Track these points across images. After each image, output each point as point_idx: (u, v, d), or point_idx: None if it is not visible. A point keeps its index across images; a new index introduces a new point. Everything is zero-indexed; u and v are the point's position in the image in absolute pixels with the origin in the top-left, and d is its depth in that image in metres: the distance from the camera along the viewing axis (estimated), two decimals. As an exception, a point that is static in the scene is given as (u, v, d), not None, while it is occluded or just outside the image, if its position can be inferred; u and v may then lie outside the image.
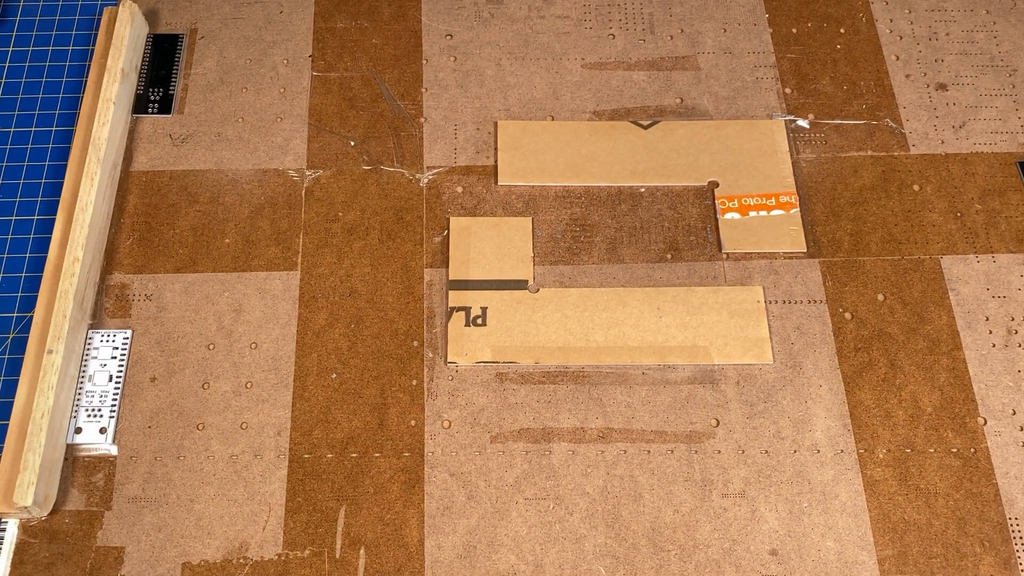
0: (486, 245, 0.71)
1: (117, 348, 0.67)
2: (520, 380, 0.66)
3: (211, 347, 0.67)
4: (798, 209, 0.72)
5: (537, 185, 0.73)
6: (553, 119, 0.76)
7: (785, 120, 0.76)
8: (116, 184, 0.73)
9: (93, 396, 0.65)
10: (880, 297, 0.69)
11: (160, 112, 0.76)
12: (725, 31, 0.80)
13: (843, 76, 0.78)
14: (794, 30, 0.81)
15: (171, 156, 0.74)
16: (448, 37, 0.80)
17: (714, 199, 0.73)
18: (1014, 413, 0.65)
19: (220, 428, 0.65)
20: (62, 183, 0.71)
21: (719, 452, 0.64)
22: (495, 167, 0.74)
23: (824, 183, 0.74)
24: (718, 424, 0.65)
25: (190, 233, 0.71)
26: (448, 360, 0.67)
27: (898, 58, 0.79)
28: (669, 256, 0.71)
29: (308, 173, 0.74)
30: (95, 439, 0.64)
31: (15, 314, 0.69)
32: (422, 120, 0.76)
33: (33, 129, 0.76)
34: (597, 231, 0.72)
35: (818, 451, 0.64)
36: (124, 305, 0.69)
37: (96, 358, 0.66)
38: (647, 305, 0.69)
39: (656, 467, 0.64)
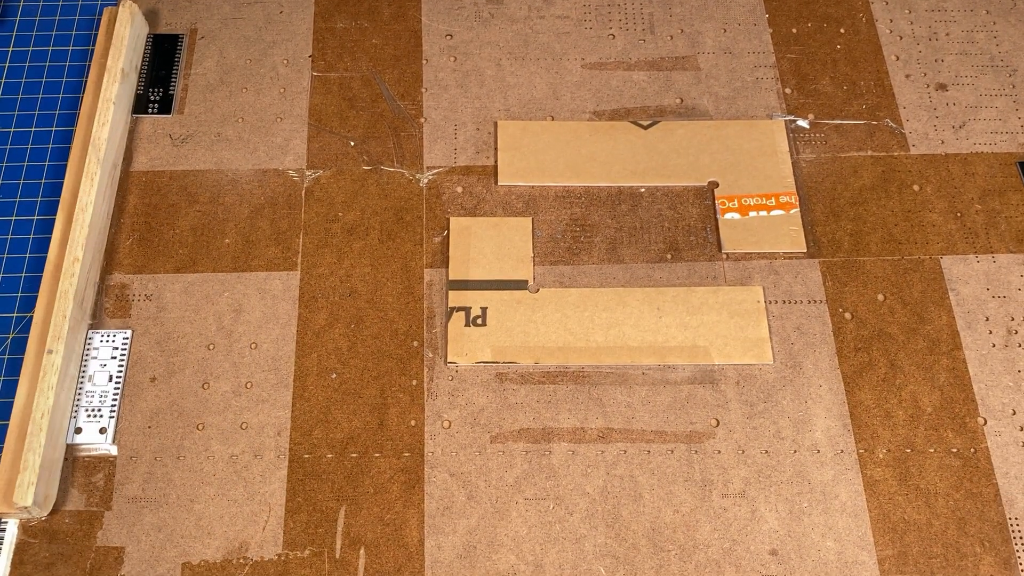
0: (486, 245, 0.71)
1: (117, 348, 0.67)
2: (520, 380, 0.66)
3: (211, 347, 0.67)
4: (798, 209, 0.72)
5: (537, 185, 0.73)
6: (553, 119, 0.76)
7: (785, 120, 0.76)
8: (116, 184, 0.73)
9: (93, 396, 0.65)
10: (880, 297, 0.69)
11: (160, 112, 0.76)
12: (725, 31, 0.80)
13: (843, 76, 0.78)
14: (794, 30, 0.81)
15: (171, 156, 0.74)
16: (448, 37, 0.80)
17: (714, 199, 0.73)
18: (1014, 413, 0.65)
19: (220, 428, 0.65)
20: (62, 183, 0.71)
21: (719, 452, 0.64)
22: (495, 167, 0.74)
23: (824, 183, 0.74)
24: (718, 424, 0.65)
25: (190, 233, 0.71)
26: (448, 360, 0.67)
27: (898, 58, 0.79)
28: (669, 256, 0.71)
29: (308, 173, 0.74)
30: (95, 439, 0.64)
31: (15, 314, 0.69)
32: (422, 120, 0.76)
33: (33, 129, 0.76)
34: (597, 231, 0.72)
35: (818, 451, 0.64)
36: (124, 305, 0.69)
37: (96, 358, 0.66)
38: (647, 305, 0.69)
39: (656, 467, 0.64)
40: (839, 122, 0.76)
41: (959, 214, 0.72)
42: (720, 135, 0.75)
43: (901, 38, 0.80)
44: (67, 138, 0.75)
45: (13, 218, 0.72)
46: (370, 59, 0.79)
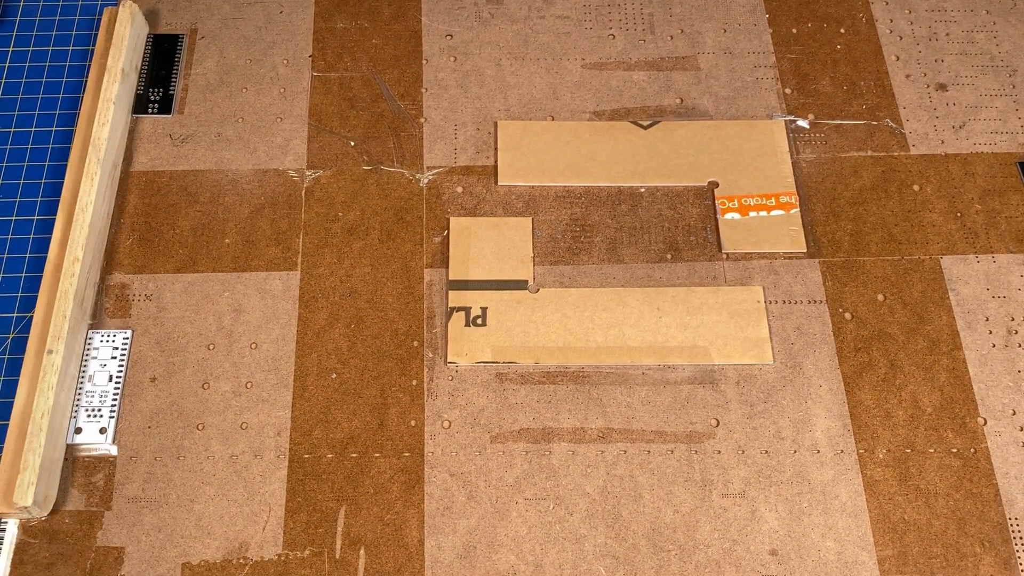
0: (486, 245, 0.71)
1: (117, 348, 0.67)
2: (520, 380, 0.66)
3: (211, 347, 0.67)
4: (798, 209, 0.72)
5: (537, 185, 0.73)
6: (553, 119, 0.76)
7: (785, 120, 0.76)
8: (116, 184, 0.73)
9: (93, 396, 0.65)
10: (880, 297, 0.69)
11: (160, 112, 0.76)
12: (725, 31, 0.80)
13: (843, 76, 0.78)
14: (794, 30, 0.81)
15: (171, 156, 0.74)
16: (448, 37, 0.80)
17: (714, 199, 0.73)
18: (1014, 413, 0.65)
19: (220, 428, 0.65)
20: (62, 183, 0.71)
21: (719, 452, 0.64)
22: (495, 167, 0.74)
23: (824, 183, 0.74)
24: (718, 424, 0.65)
25: (190, 233, 0.71)
26: (448, 360, 0.67)
27: (898, 58, 0.79)
28: (669, 256, 0.71)
29: (308, 173, 0.74)
30: (95, 439, 0.64)
31: (15, 314, 0.69)
32: (422, 120, 0.76)
33: (33, 129, 0.76)
34: (597, 231, 0.72)
35: (818, 451, 0.64)
36: (124, 305, 0.69)
37: (96, 358, 0.66)
38: (647, 305, 0.69)
39: (656, 467, 0.64)
40: (839, 122, 0.76)
41: (959, 214, 0.72)
42: (720, 135, 0.75)
43: (901, 38, 0.80)
44: (67, 138, 0.75)
45: (13, 218, 0.72)
46: (370, 59, 0.79)
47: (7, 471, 0.60)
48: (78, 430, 0.64)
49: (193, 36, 0.80)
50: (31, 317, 0.67)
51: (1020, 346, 0.68)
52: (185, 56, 0.79)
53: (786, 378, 0.66)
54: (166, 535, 0.61)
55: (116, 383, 0.66)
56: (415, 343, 0.68)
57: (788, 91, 0.77)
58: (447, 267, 0.70)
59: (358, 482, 0.63)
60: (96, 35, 0.79)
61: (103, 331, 0.67)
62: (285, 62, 0.79)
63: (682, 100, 0.77)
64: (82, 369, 0.66)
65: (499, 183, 0.73)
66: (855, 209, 0.73)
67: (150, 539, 0.61)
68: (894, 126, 0.76)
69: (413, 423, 0.65)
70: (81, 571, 0.60)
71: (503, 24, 0.81)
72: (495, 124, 0.76)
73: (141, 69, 0.78)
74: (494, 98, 0.77)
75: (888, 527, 0.62)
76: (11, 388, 0.65)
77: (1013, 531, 0.62)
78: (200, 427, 0.65)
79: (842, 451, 0.64)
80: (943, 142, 0.75)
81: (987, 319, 0.68)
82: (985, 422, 0.65)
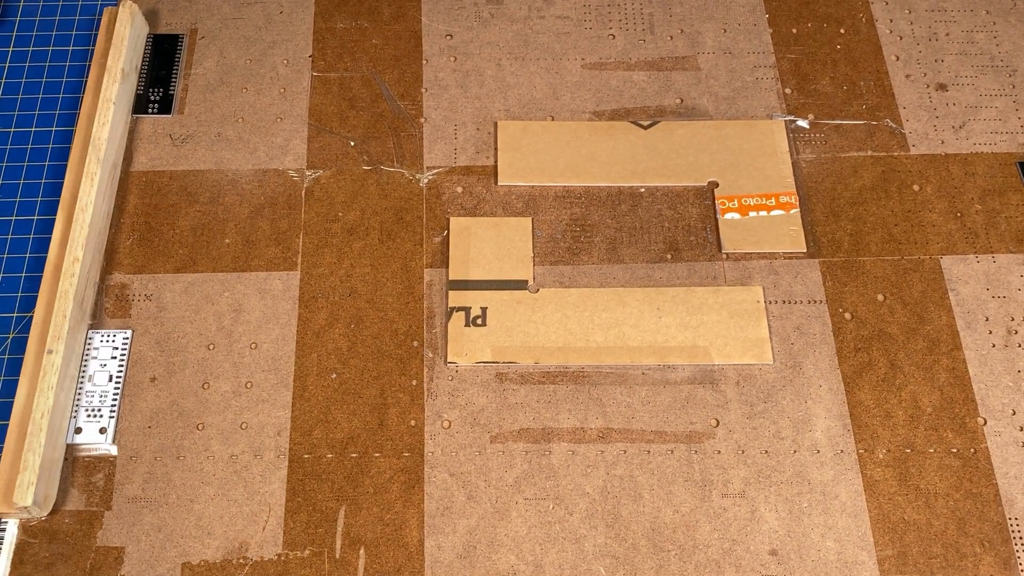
0: (486, 245, 0.71)
1: (117, 348, 0.67)
2: (520, 380, 0.66)
3: (211, 347, 0.67)
4: (798, 209, 0.72)
5: (537, 185, 0.73)
6: (553, 119, 0.76)
7: (785, 120, 0.76)
8: (116, 184, 0.73)
9: (93, 396, 0.65)
10: (880, 297, 0.69)
11: (160, 112, 0.76)
12: (725, 31, 0.80)
13: (843, 76, 0.78)
14: (794, 30, 0.81)
15: (171, 156, 0.74)
16: (448, 37, 0.80)
17: (714, 199, 0.73)
18: (1014, 413, 0.65)
19: (220, 428, 0.65)
20: (62, 183, 0.71)
21: (719, 452, 0.64)
22: (495, 167, 0.74)
23: (824, 183, 0.74)
24: (718, 424, 0.65)
25: (190, 233, 0.71)
26: (448, 360, 0.67)
27: (898, 58, 0.79)
28: (669, 256, 0.71)
29: (308, 173, 0.74)
30: (95, 439, 0.64)
31: (15, 314, 0.69)
32: (422, 120, 0.76)
33: (33, 129, 0.76)
34: (597, 231, 0.72)
35: (818, 451, 0.64)
36: (124, 305, 0.69)
37: (96, 358, 0.66)
38: (647, 305, 0.69)
39: (656, 467, 0.64)
40: (839, 122, 0.76)
41: (959, 214, 0.72)
42: (720, 135, 0.75)
43: (901, 38, 0.80)
44: (67, 138, 0.75)
45: (13, 218, 0.72)
46: (370, 59, 0.79)
47: (7, 471, 0.61)
48: (78, 430, 0.64)
49: (193, 36, 0.80)
50: (31, 317, 0.68)
51: (1020, 346, 0.68)
52: (185, 56, 0.79)
53: (786, 378, 0.66)
54: (166, 535, 0.61)
55: (116, 383, 0.66)
56: (415, 343, 0.68)
57: (788, 91, 0.78)
58: (447, 267, 0.70)
59: (358, 482, 0.63)
60: (96, 35, 0.79)
61: (103, 331, 0.67)
62: (285, 62, 0.79)
63: (682, 100, 0.77)
64: (82, 369, 0.66)
65: (499, 183, 0.73)
66: (855, 209, 0.73)
67: (150, 539, 0.61)
68: (894, 126, 0.76)
69: (413, 423, 0.65)
70: (81, 571, 0.60)
71: (503, 24, 0.81)
72: (495, 124, 0.76)
73: (141, 69, 0.78)
74: (494, 98, 0.77)
75: (888, 527, 0.62)
76: (11, 388, 0.65)
77: (1013, 531, 0.62)
78: (200, 427, 0.65)
79: (842, 451, 0.64)
80: (943, 142, 0.75)
81: (987, 319, 0.68)
82: (985, 422, 0.65)
